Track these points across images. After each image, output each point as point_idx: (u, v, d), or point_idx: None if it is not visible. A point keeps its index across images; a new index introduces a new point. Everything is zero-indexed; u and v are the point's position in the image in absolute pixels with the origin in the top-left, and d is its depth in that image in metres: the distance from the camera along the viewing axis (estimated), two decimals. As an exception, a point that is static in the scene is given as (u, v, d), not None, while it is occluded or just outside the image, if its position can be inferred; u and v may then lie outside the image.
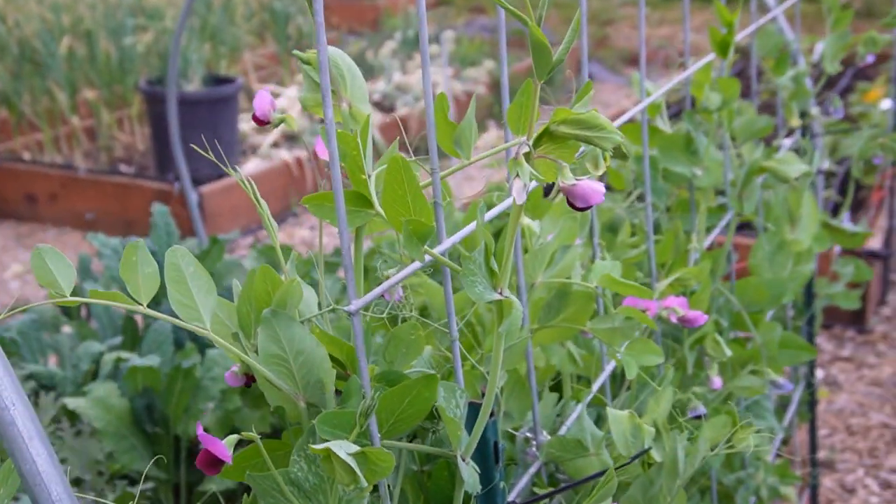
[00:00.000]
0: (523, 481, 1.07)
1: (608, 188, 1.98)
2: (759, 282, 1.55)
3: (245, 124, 5.39)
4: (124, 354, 2.13)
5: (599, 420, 1.41)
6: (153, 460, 1.96)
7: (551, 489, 1.06)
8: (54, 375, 2.15)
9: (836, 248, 2.80)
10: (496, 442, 0.96)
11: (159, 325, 2.16)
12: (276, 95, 5.62)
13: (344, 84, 0.88)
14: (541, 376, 1.34)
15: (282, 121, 0.96)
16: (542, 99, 0.98)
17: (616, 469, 1.03)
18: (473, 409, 0.93)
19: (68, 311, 2.59)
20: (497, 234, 1.38)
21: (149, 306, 0.80)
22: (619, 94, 6.79)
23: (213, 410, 2.07)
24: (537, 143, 0.74)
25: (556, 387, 1.42)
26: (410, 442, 0.96)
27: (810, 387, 2.25)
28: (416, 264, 0.82)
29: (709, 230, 1.63)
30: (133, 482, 2.00)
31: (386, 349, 0.91)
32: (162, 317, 0.80)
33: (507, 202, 0.81)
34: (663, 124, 1.58)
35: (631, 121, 1.36)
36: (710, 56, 1.52)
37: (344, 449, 0.76)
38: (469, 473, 0.88)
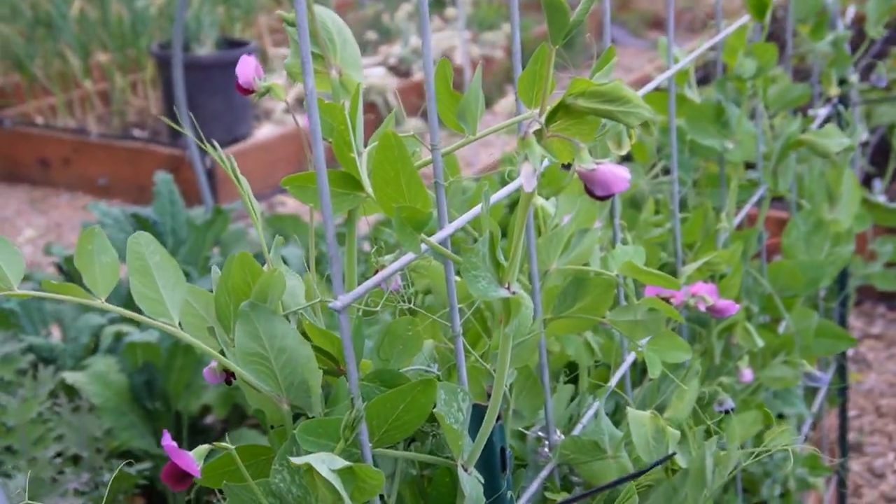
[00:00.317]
0: (534, 486, 0.98)
1: (629, 159, 1.87)
2: (794, 265, 1.44)
3: (259, 90, 5.27)
4: (125, 328, 2.05)
5: (618, 410, 1.32)
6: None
7: (565, 496, 0.97)
8: (54, 348, 2.07)
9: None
10: (503, 448, 0.86)
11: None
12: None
13: (334, 49, 0.78)
14: (554, 365, 1.25)
15: (267, 90, 0.86)
16: (560, 66, 0.88)
17: (635, 477, 0.94)
18: (478, 412, 0.83)
19: (72, 280, 2.51)
20: (513, 209, 1.28)
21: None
22: (642, 58, 6.62)
23: (215, 387, 1.99)
24: (551, 118, 0.64)
25: (572, 379, 1.32)
26: (409, 444, 0.87)
27: (842, 370, 2.14)
28: (410, 255, 0.72)
29: (738, 207, 1.53)
30: (132, 460, 1.92)
31: (380, 346, 0.81)
32: (122, 311, 0.71)
33: (517, 183, 0.71)
34: (692, 93, 1.47)
35: (656, 89, 1.26)
36: (745, 18, 1.41)
37: (327, 464, 0.67)
38: (471, 485, 0.79)
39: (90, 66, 5.47)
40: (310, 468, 0.67)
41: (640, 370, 1.33)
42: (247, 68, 0.86)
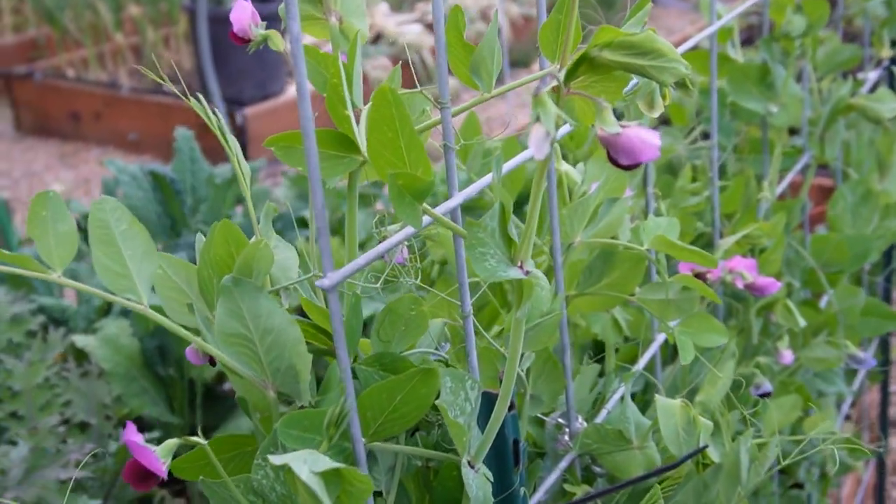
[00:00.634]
0: (552, 477, 0.90)
1: (666, 122, 1.77)
2: (840, 238, 1.34)
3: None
4: (139, 290, 1.98)
5: (647, 390, 1.23)
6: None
7: (586, 489, 0.88)
8: (66, 310, 2.02)
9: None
10: (516, 440, 0.78)
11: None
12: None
13: (332, -8, 0.69)
14: (578, 341, 1.17)
15: (265, 38, 0.78)
16: (590, 19, 0.79)
17: (663, 472, 0.86)
18: (490, 400, 0.75)
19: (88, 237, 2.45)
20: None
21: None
22: (684, 20, 6.45)
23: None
24: (572, 73, 0.56)
25: (597, 358, 1.24)
26: (412, 434, 0.79)
27: (885, 345, 2.04)
28: (410, 229, 0.64)
29: (781, 175, 1.43)
30: (143, 427, 1.86)
31: (380, 326, 0.73)
32: (80, 287, 0.63)
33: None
34: (735, 52, 1.37)
35: (696, 48, 1.16)
36: (795, -28, 1.30)
37: (310, 464, 0.59)
38: (478, 484, 0.71)
39: (122, 18, 5.40)
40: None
41: (671, 347, 1.24)
42: (242, 14, 0.78)
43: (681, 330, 0.88)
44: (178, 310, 0.71)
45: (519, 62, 5.44)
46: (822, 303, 1.46)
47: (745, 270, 1.02)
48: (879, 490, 2.19)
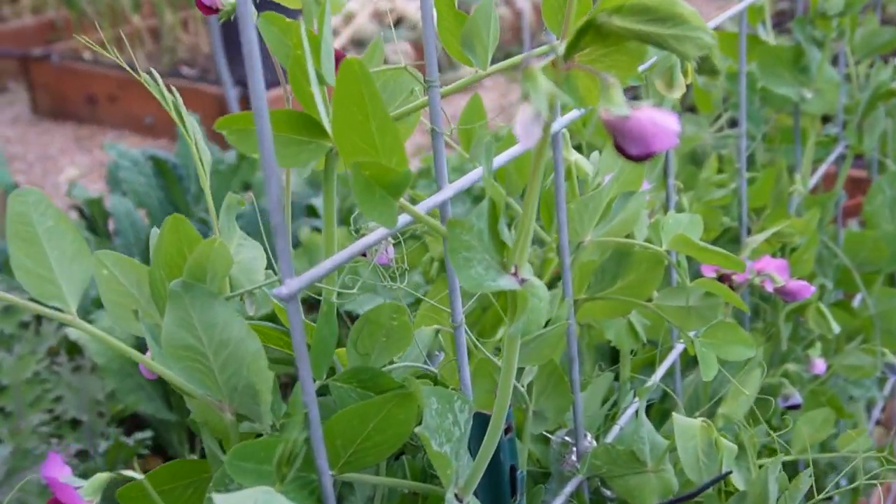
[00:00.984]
0: (558, 502, 0.81)
1: (692, 109, 1.66)
2: (877, 235, 1.24)
3: (311, 28, 5.09)
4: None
5: (666, 398, 1.13)
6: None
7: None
8: (62, 300, 1.93)
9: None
10: (514, 467, 0.69)
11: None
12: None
13: (299, -49, 0.60)
14: (589, 344, 1.07)
15: (233, 8, 0.69)
16: None
17: (682, 501, 0.76)
18: (484, 422, 0.66)
19: (94, 226, 2.39)
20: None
21: None
22: (711, 6, 6.30)
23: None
24: (575, 45, 0.46)
25: (610, 361, 1.14)
26: (397, 458, 0.70)
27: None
28: (382, 230, 0.54)
29: (813, 166, 1.32)
30: (138, 425, 1.78)
31: (358, 337, 0.64)
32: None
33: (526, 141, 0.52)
34: (766, 34, 1.27)
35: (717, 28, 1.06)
36: (834, -54, 1.19)
37: (262, 505, 0.50)
38: (466, 522, 0.62)
39: (140, 1, 5.32)
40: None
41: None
42: (209, -18, 0.69)
43: (703, 341, 0.78)
44: (126, 317, 0.62)
45: (542, 47, 5.32)
46: (855, 301, 1.36)
47: (774, 272, 0.92)
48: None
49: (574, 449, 0.83)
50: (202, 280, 0.59)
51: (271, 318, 0.72)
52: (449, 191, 0.62)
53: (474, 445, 0.66)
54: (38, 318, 1.88)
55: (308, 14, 0.61)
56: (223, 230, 0.63)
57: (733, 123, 1.45)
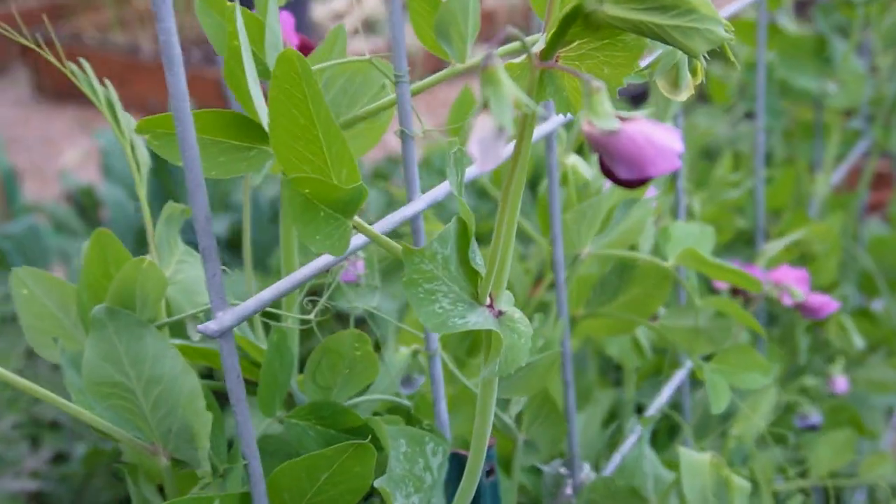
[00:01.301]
0: (550, 541, 0.73)
1: (703, 98, 1.57)
2: (904, 239, 1.15)
3: (319, 12, 5.00)
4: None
5: (674, 407, 1.05)
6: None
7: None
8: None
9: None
10: (496, 514, 0.61)
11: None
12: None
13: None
14: (595, 349, 0.99)
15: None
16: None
17: (687, 548, 0.68)
18: (461, 462, 0.58)
19: (85, 212, 2.31)
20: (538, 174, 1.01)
21: None
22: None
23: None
24: (559, 38, 0.38)
25: (613, 367, 1.06)
26: (365, 500, 0.62)
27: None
28: (326, 258, 0.46)
29: (835, 163, 1.23)
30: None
31: (316, 369, 0.56)
32: None
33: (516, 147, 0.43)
34: (787, 21, 1.18)
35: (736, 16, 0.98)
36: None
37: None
38: (438, 582, 0.54)
39: (145, -19, 5.25)
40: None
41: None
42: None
43: (714, 367, 0.70)
44: (46, 343, 0.54)
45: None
46: (875, 305, 1.27)
47: (794, 286, 0.83)
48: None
49: (570, 481, 0.75)
50: (131, 306, 0.50)
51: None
52: (421, 203, 0.53)
53: (452, 489, 0.58)
54: (13, 318, 1.81)
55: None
56: (161, 245, 0.55)
57: (749, 115, 1.36)
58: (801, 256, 0.98)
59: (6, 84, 5.09)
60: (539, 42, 0.39)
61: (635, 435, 0.80)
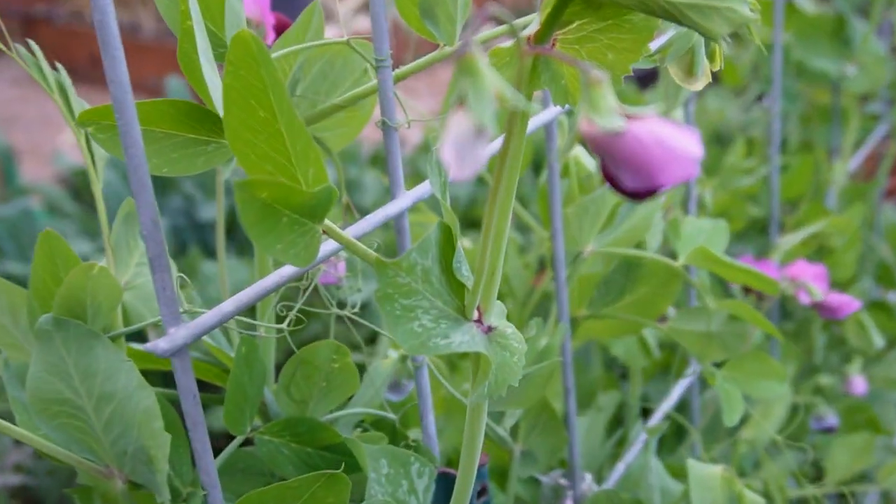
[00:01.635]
0: (548, 558, 0.68)
1: (715, 80, 1.51)
2: (925, 230, 1.10)
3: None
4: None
5: (682, 408, 1.00)
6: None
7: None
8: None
9: None
10: (488, 538, 0.56)
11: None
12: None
13: None
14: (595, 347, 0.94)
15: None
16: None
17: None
18: (450, 483, 0.53)
19: (79, 195, 2.27)
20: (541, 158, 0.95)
21: None
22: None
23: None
24: (555, 17, 0.32)
25: (616, 365, 1.01)
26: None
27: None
28: (288, 269, 0.41)
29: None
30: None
31: (290, 381, 0.51)
32: None
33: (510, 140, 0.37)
34: (805, 1, 1.12)
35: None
36: None
37: None
38: None
39: (147, -42, 5.18)
40: None
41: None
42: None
43: (727, 375, 0.65)
44: (-9, 356, 0.49)
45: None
46: (893, 297, 1.21)
47: (812, 283, 0.78)
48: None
49: (570, 493, 0.70)
50: (81, 315, 0.45)
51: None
52: (406, 200, 0.48)
53: (441, 509, 0.53)
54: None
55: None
56: (118, 247, 0.50)
57: (760, 97, 1.30)
58: (818, 250, 0.92)
59: (5, 62, 5.03)
60: (533, 23, 0.34)
61: (640, 441, 0.75)
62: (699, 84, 0.36)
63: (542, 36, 0.32)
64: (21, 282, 1.40)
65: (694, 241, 0.64)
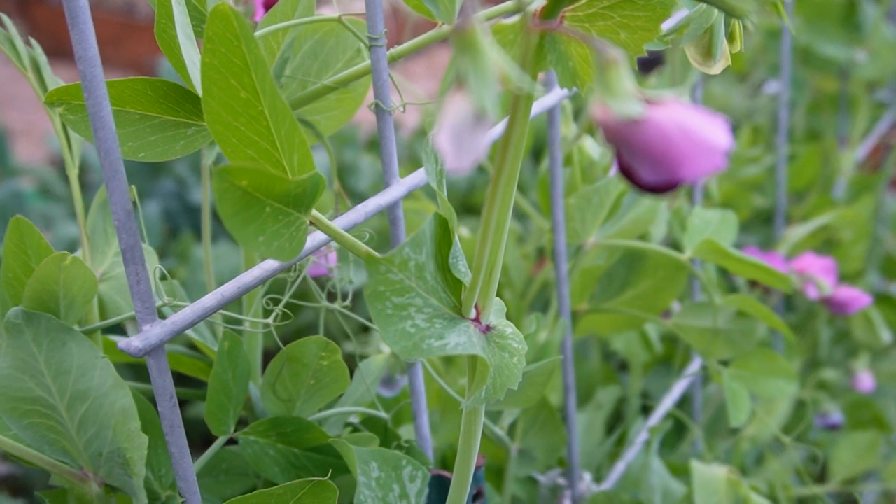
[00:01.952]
0: (546, 560, 0.65)
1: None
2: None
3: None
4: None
5: (684, 404, 0.98)
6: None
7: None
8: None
9: None
10: (484, 543, 0.53)
11: (144, 212, 1.76)
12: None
13: None
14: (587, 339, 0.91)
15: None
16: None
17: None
18: (444, 486, 0.50)
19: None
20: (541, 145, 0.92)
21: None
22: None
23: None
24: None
25: (614, 357, 0.98)
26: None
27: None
28: (271, 264, 0.38)
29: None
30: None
31: (276, 379, 0.48)
32: None
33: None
34: (813, -16, 1.09)
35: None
36: None
37: None
38: None
39: (144, -62, 5.14)
40: None
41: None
42: None
43: (733, 373, 0.62)
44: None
45: None
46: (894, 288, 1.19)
47: (820, 277, 0.76)
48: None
49: (568, 493, 0.67)
50: (53, 308, 0.43)
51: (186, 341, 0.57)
52: (401, 188, 0.45)
53: (434, 515, 0.50)
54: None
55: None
56: (94, 235, 0.47)
57: (761, 84, 1.27)
58: (825, 242, 0.90)
59: (0, 41, 5.00)
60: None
61: (641, 439, 0.73)
62: (718, 67, 0.33)
63: (550, 12, 0.30)
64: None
65: (701, 233, 0.61)
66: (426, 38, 0.44)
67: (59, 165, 2.28)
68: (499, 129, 0.48)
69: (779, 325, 0.61)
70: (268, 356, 0.58)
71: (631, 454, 0.72)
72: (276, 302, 0.48)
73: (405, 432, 0.60)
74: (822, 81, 1.20)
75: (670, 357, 0.94)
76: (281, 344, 0.47)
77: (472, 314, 0.37)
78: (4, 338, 0.42)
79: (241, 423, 0.50)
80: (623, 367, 1.05)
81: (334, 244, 0.55)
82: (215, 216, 1.57)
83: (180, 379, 0.76)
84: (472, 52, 0.23)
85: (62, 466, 0.44)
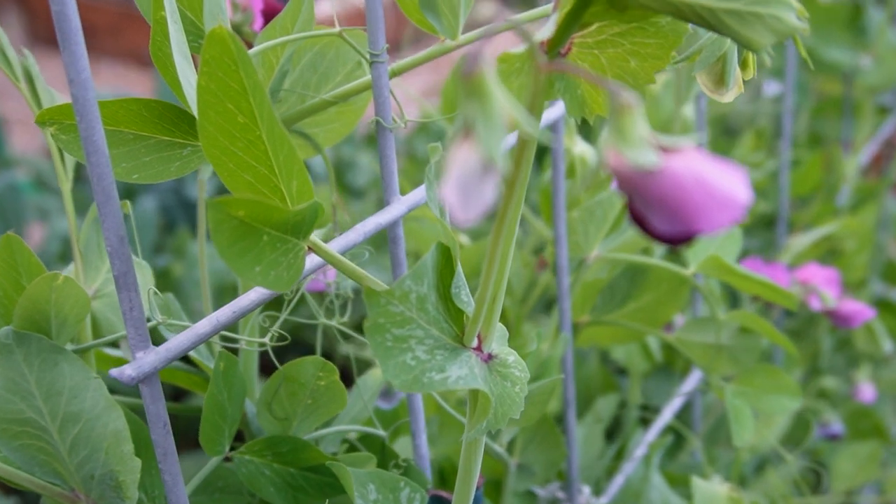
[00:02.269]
0: (544, 576, 0.65)
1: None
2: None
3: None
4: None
5: (682, 416, 0.97)
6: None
7: None
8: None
9: None
10: (482, 565, 0.53)
11: (140, 208, 1.75)
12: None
13: None
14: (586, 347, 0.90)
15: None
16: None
17: None
18: (442, 506, 0.49)
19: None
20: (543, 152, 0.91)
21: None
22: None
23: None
24: (573, 20, 0.28)
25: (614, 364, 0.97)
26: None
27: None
28: (259, 292, 0.37)
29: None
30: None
31: (273, 399, 0.47)
32: None
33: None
34: (818, -12, 1.08)
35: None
36: None
37: None
38: None
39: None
40: None
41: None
42: None
43: (736, 389, 0.61)
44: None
45: None
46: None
47: (824, 288, 0.75)
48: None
49: (567, 507, 0.67)
50: (45, 328, 0.42)
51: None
52: (402, 206, 0.44)
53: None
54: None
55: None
56: (87, 251, 0.46)
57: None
58: (828, 251, 0.89)
59: (-2, 29, 4.97)
60: (548, 24, 0.30)
61: (640, 451, 0.72)
62: (730, 95, 0.32)
63: (559, 39, 0.29)
64: None
65: (705, 247, 0.60)
66: (428, 54, 0.43)
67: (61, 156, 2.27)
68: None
69: (781, 340, 0.60)
70: (265, 367, 0.57)
71: (630, 467, 0.71)
72: (274, 319, 0.48)
73: (403, 444, 0.59)
74: (826, 86, 1.19)
75: (671, 363, 0.93)
76: (277, 364, 0.46)
77: (475, 343, 0.36)
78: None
79: (238, 437, 0.49)
80: (622, 371, 1.04)
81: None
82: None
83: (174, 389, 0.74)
84: (480, 99, 0.22)
85: (53, 489, 0.43)
